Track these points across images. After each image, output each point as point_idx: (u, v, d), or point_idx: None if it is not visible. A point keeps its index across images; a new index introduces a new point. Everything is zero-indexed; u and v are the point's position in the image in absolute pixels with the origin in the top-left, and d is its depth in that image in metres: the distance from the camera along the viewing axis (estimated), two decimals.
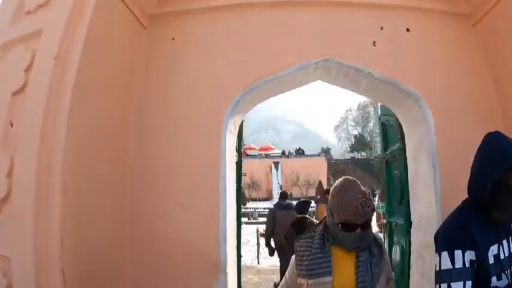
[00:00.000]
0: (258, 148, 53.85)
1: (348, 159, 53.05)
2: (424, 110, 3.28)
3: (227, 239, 3.20)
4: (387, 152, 4.88)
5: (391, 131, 4.65)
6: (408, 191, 3.86)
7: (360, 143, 57.40)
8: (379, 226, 9.04)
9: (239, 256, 4.12)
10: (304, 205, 5.09)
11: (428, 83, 3.30)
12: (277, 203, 6.66)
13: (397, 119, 4.06)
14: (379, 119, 5.18)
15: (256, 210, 24.62)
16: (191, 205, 3.18)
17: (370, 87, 3.69)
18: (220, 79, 3.34)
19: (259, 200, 37.30)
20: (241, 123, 4.02)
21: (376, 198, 21.55)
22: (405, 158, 3.93)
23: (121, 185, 3.10)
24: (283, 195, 7.05)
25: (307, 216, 4.78)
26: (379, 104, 5.06)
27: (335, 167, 45.28)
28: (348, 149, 63.20)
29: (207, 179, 3.22)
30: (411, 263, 3.66)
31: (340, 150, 68.48)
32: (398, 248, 4.28)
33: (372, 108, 66.18)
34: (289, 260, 1.82)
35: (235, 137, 3.87)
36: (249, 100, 3.57)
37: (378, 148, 59.01)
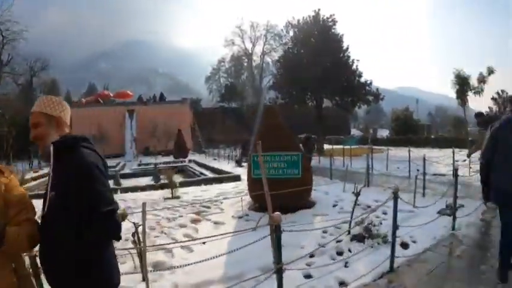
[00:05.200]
0: (112, 95, 43.77)
1: (217, 108, 49.20)
2: None
3: None
4: None
5: None
6: None
7: (230, 92, 53.57)
8: None
9: None
10: None
11: None
12: None
13: None
14: None
15: None
16: None
17: None
18: None
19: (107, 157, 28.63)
20: None
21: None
22: None
23: None
24: None
25: None
26: None
27: (203, 116, 41.03)
28: (218, 98, 59.07)
29: None
30: None
31: (211, 102, 64.23)
32: None
33: (246, 60, 62.88)
34: None
35: None
36: None
37: (249, 98, 55.94)
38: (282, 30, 36.71)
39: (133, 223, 3.70)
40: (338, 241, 4.69)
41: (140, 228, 3.32)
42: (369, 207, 6.39)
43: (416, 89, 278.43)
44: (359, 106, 25.73)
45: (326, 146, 23.88)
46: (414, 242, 4.76)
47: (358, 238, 4.70)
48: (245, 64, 64.46)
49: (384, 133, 44.24)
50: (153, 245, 4.27)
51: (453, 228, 5.16)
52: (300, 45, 25.34)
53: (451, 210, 5.39)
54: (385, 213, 5.97)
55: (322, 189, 8.48)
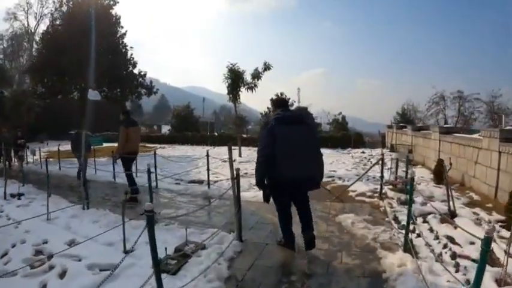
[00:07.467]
0: None
1: None
2: None
3: None
4: None
5: None
6: None
7: None
8: None
9: None
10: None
11: None
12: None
13: None
14: None
15: None
16: None
17: None
18: None
19: None
20: None
21: None
22: None
23: None
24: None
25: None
26: None
27: None
28: None
29: None
30: None
31: None
32: None
33: (27, 40, 50.43)
34: None
35: None
36: None
37: (25, 85, 45.36)
38: (53, 2, 30.08)
39: None
40: None
41: None
42: (51, 257, 3.80)
43: (205, 89, 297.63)
44: (130, 99, 23.29)
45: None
46: None
47: None
48: (26, 45, 51.46)
49: (167, 129, 43.33)
50: None
51: None
52: (69, 22, 20.80)
53: (177, 263, 3.17)
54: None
55: (22, 214, 5.57)
